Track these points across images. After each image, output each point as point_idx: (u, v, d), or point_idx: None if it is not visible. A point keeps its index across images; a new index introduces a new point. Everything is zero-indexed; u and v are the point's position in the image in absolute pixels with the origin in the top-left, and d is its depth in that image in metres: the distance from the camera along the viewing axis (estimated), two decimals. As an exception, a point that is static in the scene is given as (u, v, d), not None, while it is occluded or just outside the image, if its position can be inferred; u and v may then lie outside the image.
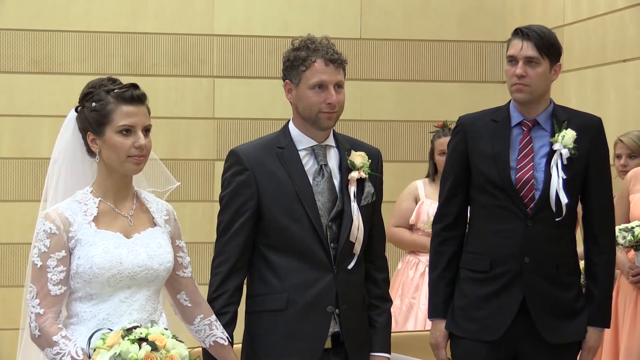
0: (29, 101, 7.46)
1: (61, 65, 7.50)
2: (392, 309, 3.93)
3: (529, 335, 3.94)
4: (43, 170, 3.51)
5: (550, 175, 3.92)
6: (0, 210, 7.42)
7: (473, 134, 4.02)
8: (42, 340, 3.18)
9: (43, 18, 7.48)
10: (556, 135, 3.95)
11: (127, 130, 3.26)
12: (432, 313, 4.11)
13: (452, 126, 5.04)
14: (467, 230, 4.10)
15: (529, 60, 3.92)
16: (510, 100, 4.06)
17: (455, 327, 4.03)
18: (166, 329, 3.16)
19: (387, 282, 3.88)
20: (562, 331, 3.96)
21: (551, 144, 3.96)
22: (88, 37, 7.54)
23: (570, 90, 7.09)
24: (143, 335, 3.06)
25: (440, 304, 4.06)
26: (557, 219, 3.92)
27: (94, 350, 3.10)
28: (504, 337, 3.94)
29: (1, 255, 7.41)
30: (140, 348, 3.03)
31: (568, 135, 3.94)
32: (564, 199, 3.91)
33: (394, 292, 6.09)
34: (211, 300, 3.62)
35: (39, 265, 3.21)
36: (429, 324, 5.80)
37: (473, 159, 4.00)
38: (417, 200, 6.20)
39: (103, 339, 3.11)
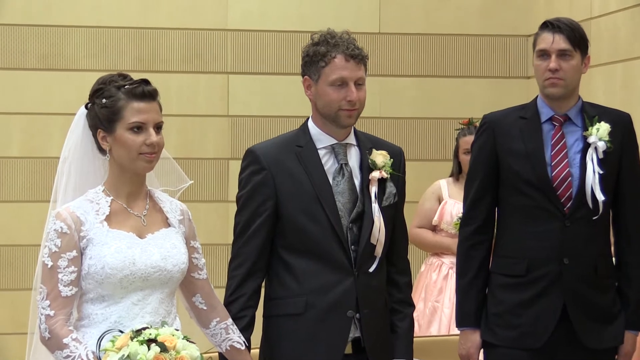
0: (38, 99, 7.46)
1: (71, 62, 7.50)
2: (415, 313, 3.90)
3: (567, 341, 3.92)
4: (53, 169, 3.51)
5: (586, 170, 3.89)
6: (10, 211, 7.42)
7: (502, 132, 3.99)
8: (52, 343, 3.18)
9: (52, 13, 7.47)
10: (590, 128, 3.93)
11: (138, 128, 3.27)
12: (463, 322, 4.05)
13: (478, 124, 5.01)
14: (495, 233, 4.07)
15: (562, 54, 3.91)
16: (536, 97, 4.05)
17: (491, 335, 3.99)
18: (177, 330, 3.15)
19: (409, 286, 3.85)
20: (601, 336, 3.94)
21: (585, 138, 3.95)
22: (98, 32, 7.53)
23: (598, 85, 7.04)
24: (152, 336, 3.07)
25: (471, 313, 4.02)
26: (594, 217, 3.90)
27: (104, 352, 3.11)
28: (545, 343, 3.91)
29: (10, 258, 7.41)
30: (149, 349, 3.03)
31: (603, 128, 3.91)
32: (600, 197, 3.89)
33: (417, 295, 6.07)
34: (228, 303, 3.61)
35: (49, 266, 3.21)
36: (453, 328, 5.82)
37: (504, 158, 3.97)
38: (440, 200, 6.18)
39: (112, 341, 3.11)
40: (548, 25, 3.95)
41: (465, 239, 4.05)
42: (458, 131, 6.28)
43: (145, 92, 3.28)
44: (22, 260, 7.36)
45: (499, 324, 3.97)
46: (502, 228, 4.03)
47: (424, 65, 7.85)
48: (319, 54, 3.63)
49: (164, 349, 3.04)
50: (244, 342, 3.49)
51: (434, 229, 6.18)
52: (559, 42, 3.91)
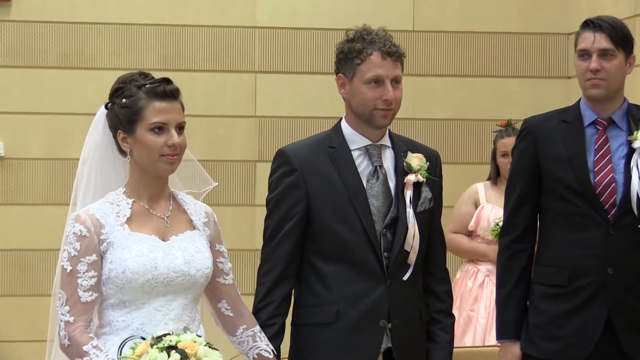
0: (59, 98, 7.48)
1: (93, 60, 7.51)
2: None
3: (611, 353, 3.90)
4: (74, 171, 3.52)
5: (631, 176, 3.87)
6: (29, 215, 7.44)
7: (543, 136, 3.97)
8: (72, 350, 3.18)
9: (74, 10, 7.49)
10: (635, 133, 3.91)
11: (160, 128, 3.27)
12: (503, 334, 4.04)
13: (517, 125, 4.97)
14: (537, 241, 4.04)
15: (603, 53, 3.89)
16: (579, 99, 4.03)
17: (532, 348, 3.97)
18: (199, 336, 3.13)
19: (450, 296, 3.82)
20: None
21: (630, 142, 3.92)
22: (122, 29, 7.54)
23: (643, 86, 6.98)
24: (173, 343, 3.05)
25: (511, 324, 4.00)
26: (639, 225, 3.87)
27: (124, 359, 3.10)
28: (588, 355, 3.88)
29: (29, 262, 7.43)
30: (169, 356, 3.02)
31: None
32: (646, 203, 3.85)
33: (452, 303, 6.04)
34: (256, 311, 3.60)
35: (68, 270, 3.21)
36: (488, 339, 5.79)
37: (545, 163, 3.95)
38: (477, 204, 6.15)
39: (133, 348, 3.11)
40: (589, 24, 3.94)
41: (505, 248, 4.03)
42: (496, 133, 6.25)
43: (167, 92, 3.28)
44: (41, 265, 7.37)
45: (541, 335, 3.95)
46: (544, 236, 4.01)
47: (460, 65, 7.81)
48: (354, 51, 3.61)
49: (184, 356, 3.03)
50: (272, 350, 3.48)
51: (470, 234, 6.15)
52: (600, 41, 3.89)
